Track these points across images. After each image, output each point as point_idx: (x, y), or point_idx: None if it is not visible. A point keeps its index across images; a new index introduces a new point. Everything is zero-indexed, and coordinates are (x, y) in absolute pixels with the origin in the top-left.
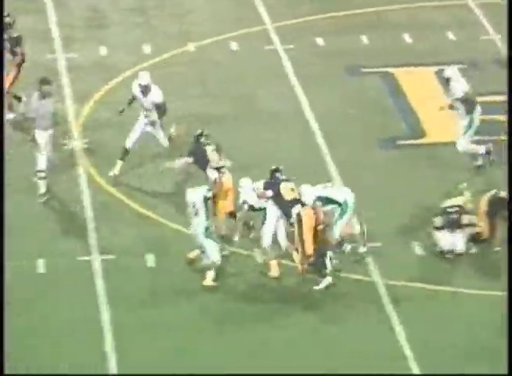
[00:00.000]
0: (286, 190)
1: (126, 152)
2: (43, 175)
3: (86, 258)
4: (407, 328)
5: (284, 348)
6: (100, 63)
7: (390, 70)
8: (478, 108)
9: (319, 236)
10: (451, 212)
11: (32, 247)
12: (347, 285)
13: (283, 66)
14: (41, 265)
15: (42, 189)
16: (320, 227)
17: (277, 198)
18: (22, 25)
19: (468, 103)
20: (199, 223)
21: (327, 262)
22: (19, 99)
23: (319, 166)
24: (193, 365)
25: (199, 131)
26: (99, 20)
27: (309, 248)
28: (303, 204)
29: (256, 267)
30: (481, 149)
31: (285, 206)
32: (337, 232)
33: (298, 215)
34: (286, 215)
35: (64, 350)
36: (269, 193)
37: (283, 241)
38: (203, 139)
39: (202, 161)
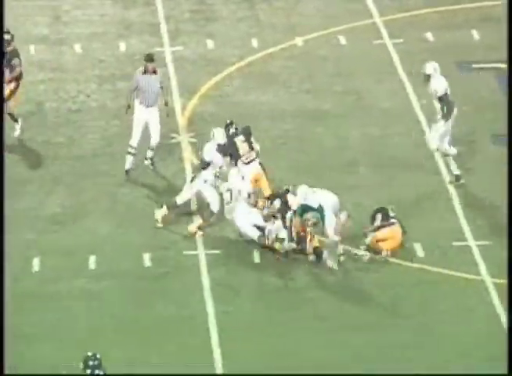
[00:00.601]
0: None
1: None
2: (132, 151)
3: (192, 252)
4: None
5: (389, 351)
6: (207, 56)
7: (502, 65)
8: (455, 111)
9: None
10: None
11: (138, 240)
12: (455, 284)
13: (392, 61)
14: (147, 259)
15: (127, 165)
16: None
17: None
18: (131, 18)
19: (447, 104)
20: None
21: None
22: (15, 120)
23: (429, 163)
24: (297, 364)
25: (227, 122)
26: (206, 13)
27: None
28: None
29: (363, 266)
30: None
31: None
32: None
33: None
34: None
35: (171, 346)
36: (277, 203)
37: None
38: (232, 131)
39: (234, 154)
